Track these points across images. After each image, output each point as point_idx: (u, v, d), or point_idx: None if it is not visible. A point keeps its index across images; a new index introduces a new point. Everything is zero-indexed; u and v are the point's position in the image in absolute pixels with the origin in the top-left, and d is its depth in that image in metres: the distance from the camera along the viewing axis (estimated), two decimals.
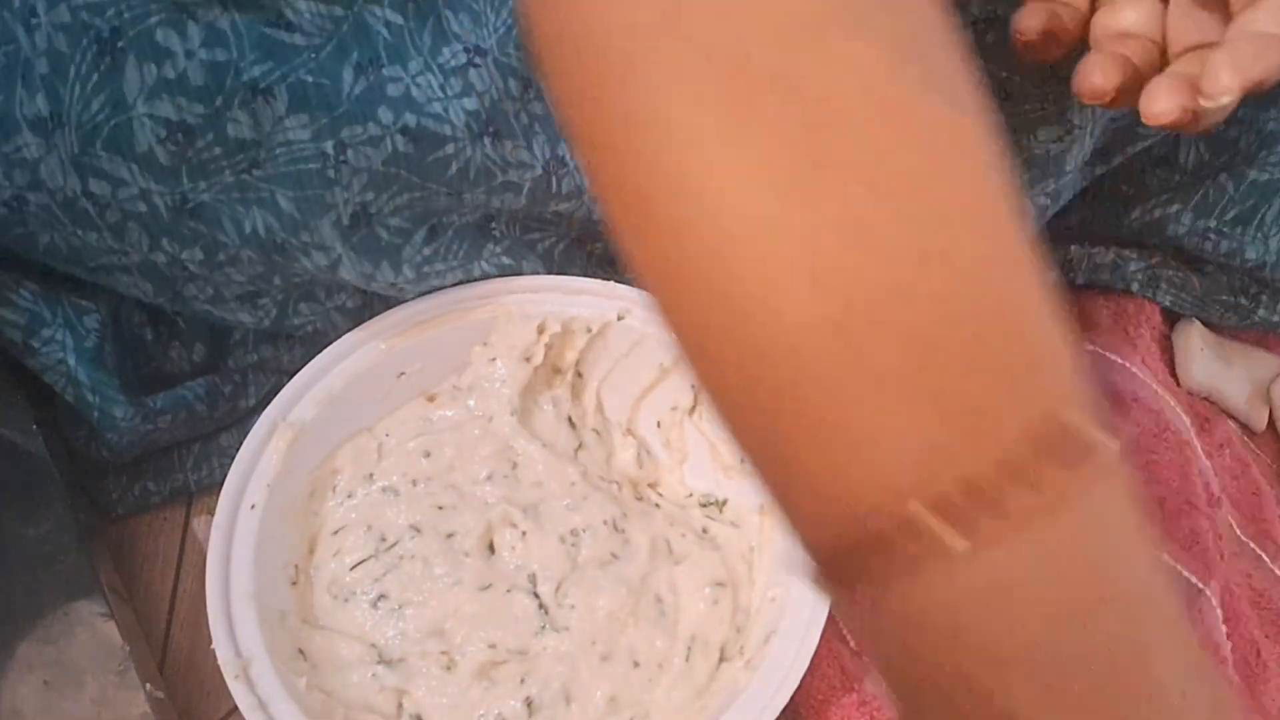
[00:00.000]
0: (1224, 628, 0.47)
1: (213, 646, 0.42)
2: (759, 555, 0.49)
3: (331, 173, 0.43)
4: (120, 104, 0.40)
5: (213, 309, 0.49)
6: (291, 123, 0.41)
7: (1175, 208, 0.56)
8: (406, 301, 0.50)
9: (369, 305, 0.52)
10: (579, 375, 0.53)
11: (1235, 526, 0.52)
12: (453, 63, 0.44)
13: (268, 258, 0.45)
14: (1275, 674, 0.48)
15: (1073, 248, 0.58)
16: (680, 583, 0.48)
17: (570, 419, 0.52)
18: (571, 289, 0.51)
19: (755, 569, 0.49)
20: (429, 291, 0.50)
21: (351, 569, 0.47)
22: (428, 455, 0.50)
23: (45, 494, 0.49)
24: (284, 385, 0.58)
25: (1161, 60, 0.37)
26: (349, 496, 0.49)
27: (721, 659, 0.46)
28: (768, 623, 0.45)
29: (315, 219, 0.44)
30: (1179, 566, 0.49)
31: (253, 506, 0.46)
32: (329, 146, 0.42)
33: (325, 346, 0.51)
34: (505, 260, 0.51)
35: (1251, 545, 0.52)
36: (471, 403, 0.51)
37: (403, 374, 0.51)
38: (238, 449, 0.58)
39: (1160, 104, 0.33)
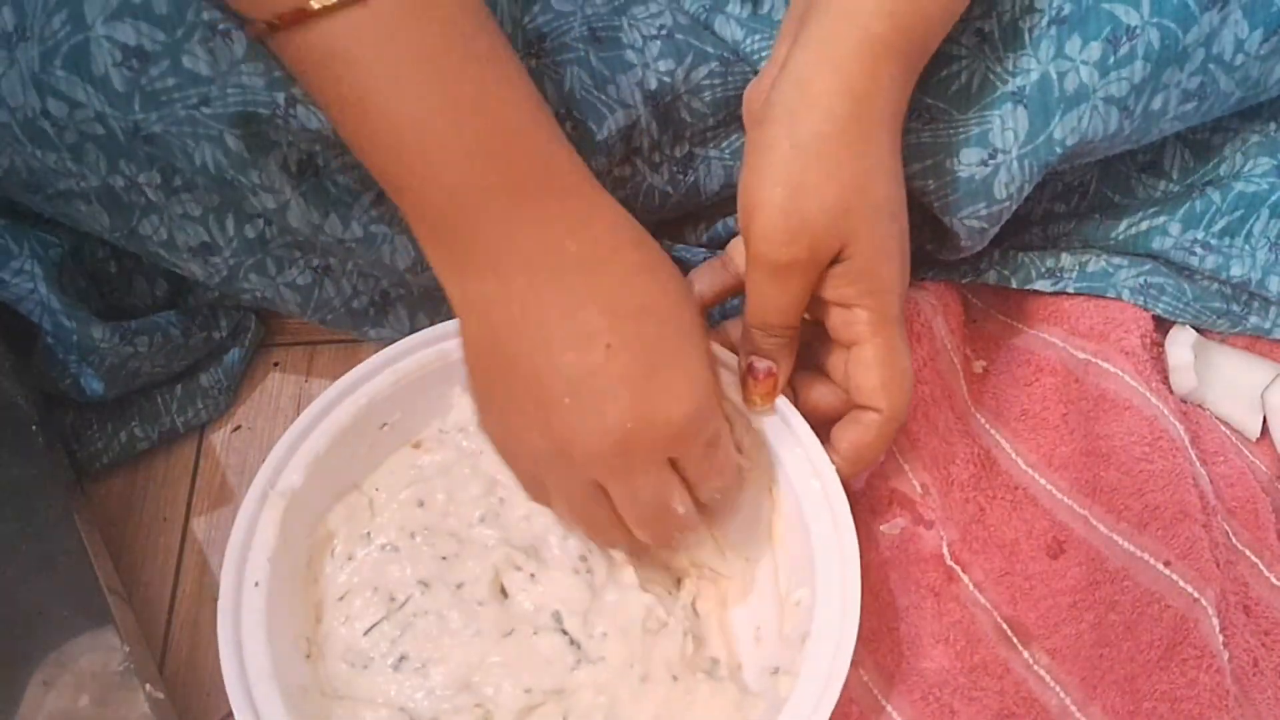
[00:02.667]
0: (1221, 637, 0.47)
1: None
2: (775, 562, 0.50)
3: (280, 122, 0.44)
4: (80, 22, 0.41)
5: (165, 254, 0.49)
6: (247, 68, 0.42)
7: (1163, 219, 0.57)
8: (382, 350, 0.49)
9: (319, 283, 0.52)
10: None
11: (1231, 535, 0.52)
12: None
13: (220, 190, 0.46)
14: (1273, 683, 0.48)
15: (1064, 256, 0.59)
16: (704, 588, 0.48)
17: None
18: None
19: (779, 575, 0.49)
20: (375, 256, 0.50)
21: (365, 634, 0.46)
22: (421, 504, 0.49)
23: (24, 443, 0.50)
24: (250, 319, 0.59)
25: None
26: (349, 559, 0.48)
27: (759, 666, 0.47)
28: (799, 626, 0.45)
29: (263, 157, 0.45)
30: (1175, 576, 0.49)
31: (256, 584, 0.44)
32: (280, 98, 0.43)
33: (279, 305, 0.51)
34: None
35: (1248, 554, 0.52)
36: (465, 443, 0.51)
37: (385, 425, 0.50)
38: (220, 389, 0.58)
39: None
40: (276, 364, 0.61)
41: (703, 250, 0.58)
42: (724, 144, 0.54)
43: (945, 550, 0.53)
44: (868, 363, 0.44)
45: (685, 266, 0.60)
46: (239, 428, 0.59)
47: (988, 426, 0.56)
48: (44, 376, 0.53)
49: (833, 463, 0.46)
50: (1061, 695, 0.49)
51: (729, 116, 0.53)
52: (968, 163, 0.48)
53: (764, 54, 0.50)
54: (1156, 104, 0.47)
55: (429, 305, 0.56)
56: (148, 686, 0.46)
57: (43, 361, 0.53)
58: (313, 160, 0.46)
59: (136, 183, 0.45)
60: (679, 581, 0.49)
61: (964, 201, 0.49)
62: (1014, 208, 0.50)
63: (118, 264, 0.56)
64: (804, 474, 0.47)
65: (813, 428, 0.47)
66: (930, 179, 0.49)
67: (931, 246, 0.56)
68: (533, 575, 0.47)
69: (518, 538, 0.48)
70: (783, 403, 0.49)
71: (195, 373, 0.58)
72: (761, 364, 0.46)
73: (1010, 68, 0.47)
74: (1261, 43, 0.46)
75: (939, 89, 0.48)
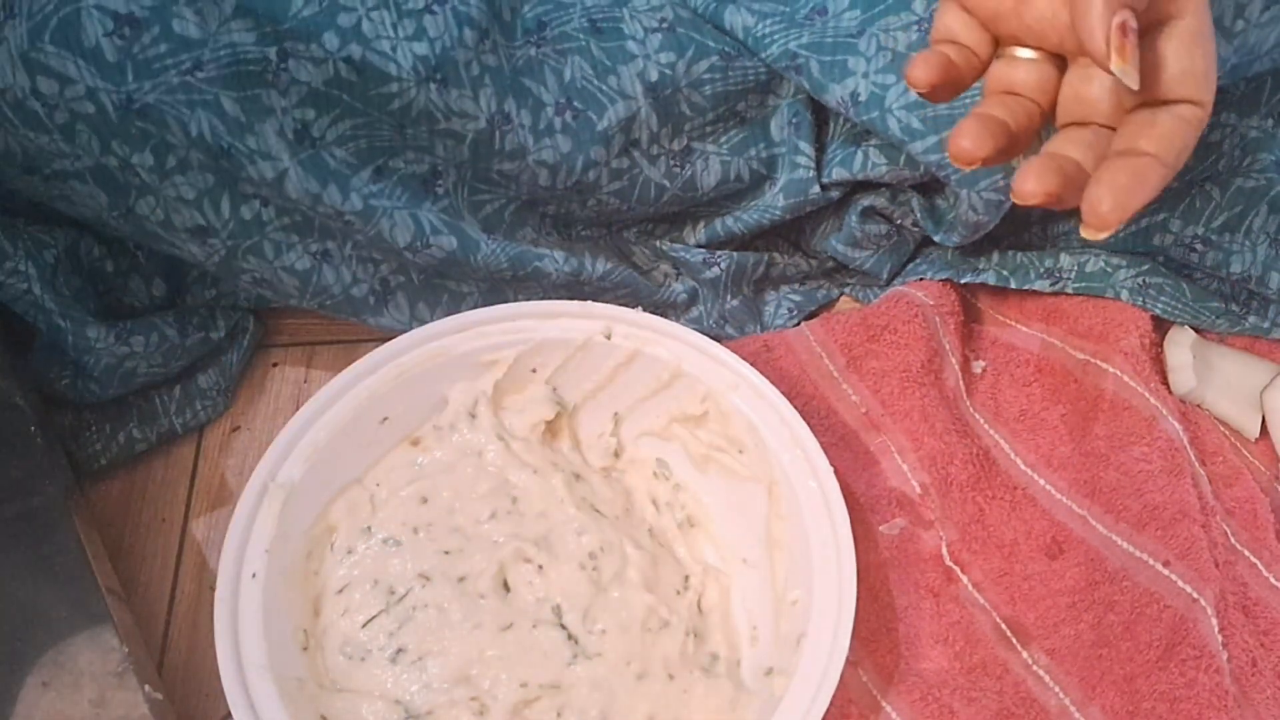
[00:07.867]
0: (1220, 637, 0.47)
1: None
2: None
3: (270, 77, 0.44)
4: None
5: (164, 234, 0.49)
6: (236, 25, 0.43)
7: (1162, 215, 0.57)
8: (383, 344, 0.50)
9: (317, 268, 0.52)
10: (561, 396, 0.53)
11: (1230, 535, 0.52)
12: (410, 5, 0.45)
13: (215, 163, 0.46)
14: (1270, 684, 0.48)
15: (1063, 256, 0.59)
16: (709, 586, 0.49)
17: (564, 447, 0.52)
18: (549, 313, 0.51)
19: (775, 575, 0.49)
20: (375, 230, 0.50)
21: (363, 626, 0.46)
22: (425, 501, 0.49)
23: (23, 443, 0.49)
24: (248, 320, 0.59)
25: (1042, 122, 0.37)
26: (349, 553, 0.48)
27: (754, 665, 0.47)
28: (795, 625, 0.45)
29: (259, 122, 0.45)
30: (1173, 576, 0.49)
31: (254, 575, 0.44)
32: (272, 53, 0.43)
33: (278, 288, 0.51)
34: (444, 217, 0.51)
35: (1247, 554, 0.52)
36: (461, 439, 0.51)
37: (386, 419, 0.50)
38: (218, 390, 0.58)
39: (1030, 185, 0.34)
40: (275, 364, 0.61)
41: (701, 251, 0.58)
42: (722, 140, 0.54)
43: (944, 550, 0.53)
44: (1189, 40, 0.35)
45: (684, 266, 0.60)
46: (238, 428, 0.59)
47: (987, 426, 0.56)
48: (41, 377, 0.53)
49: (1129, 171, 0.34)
50: (1060, 695, 0.49)
51: (728, 112, 0.53)
52: None
53: (775, 39, 0.50)
54: None
55: (429, 294, 0.56)
56: (146, 687, 0.46)
57: (39, 362, 0.53)
58: (308, 129, 0.46)
59: (130, 164, 0.46)
60: (686, 579, 0.50)
61: (982, 172, 0.50)
62: None
63: (114, 264, 0.56)
64: (803, 474, 0.47)
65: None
66: (947, 151, 0.49)
67: (935, 234, 0.57)
68: (540, 567, 0.47)
69: (530, 531, 0.48)
70: (783, 404, 0.49)
71: (193, 374, 0.58)
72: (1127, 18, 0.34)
73: None
74: (1263, 11, 0.46)
75: None
